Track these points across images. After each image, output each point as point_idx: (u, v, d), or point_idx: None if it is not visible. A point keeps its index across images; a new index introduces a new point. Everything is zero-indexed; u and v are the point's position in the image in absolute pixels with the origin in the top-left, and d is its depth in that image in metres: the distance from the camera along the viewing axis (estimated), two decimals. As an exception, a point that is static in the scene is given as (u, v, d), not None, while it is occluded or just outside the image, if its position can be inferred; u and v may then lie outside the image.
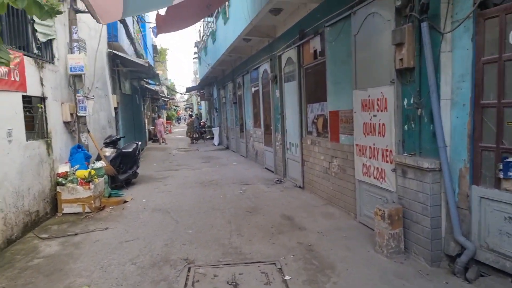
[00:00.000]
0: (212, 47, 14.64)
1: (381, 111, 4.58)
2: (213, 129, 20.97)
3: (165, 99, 29.60)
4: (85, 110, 6.93)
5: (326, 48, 6.21)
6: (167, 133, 33.94)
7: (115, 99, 10.10)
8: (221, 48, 12.23)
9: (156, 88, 24.07)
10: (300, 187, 7.80)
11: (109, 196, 7.16)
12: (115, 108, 10.40)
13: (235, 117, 15.14)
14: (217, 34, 13.35)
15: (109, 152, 7.63)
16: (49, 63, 6.39)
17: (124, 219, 5.86)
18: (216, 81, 20.00)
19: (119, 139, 8.00)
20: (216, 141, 19.85)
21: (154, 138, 23.25)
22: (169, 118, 42.23)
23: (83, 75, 6.94)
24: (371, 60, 4.80)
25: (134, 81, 15.35)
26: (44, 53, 6.28)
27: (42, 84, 5.94)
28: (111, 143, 7.76)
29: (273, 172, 9.84)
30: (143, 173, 10.46)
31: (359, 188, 5.32)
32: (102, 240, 4.91)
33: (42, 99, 6.02)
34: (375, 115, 4.73)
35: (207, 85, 23.16)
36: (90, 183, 6.07)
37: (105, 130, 9.34)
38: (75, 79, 6.89)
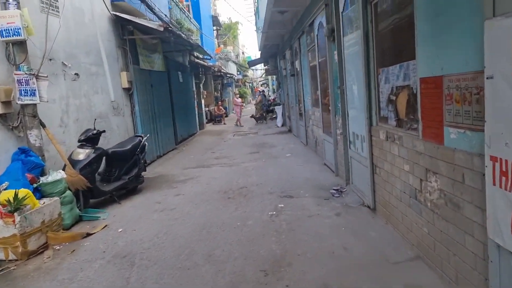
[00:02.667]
0: (260, 4, 11.70)
1: None
2: (276, 107, 18.16)
3: (229, 76, 27.44)
4: (34, 95, 4.72)
5: None
6: (234, 113, 32.16)
7: (126, 77, 7.93)
8: None
9: (217, 64, 21.95)
10: (369, 207, 4.72)
11: (75, 223, 5.03)
12: (128, 90, 8.26)
13: (294, 93, 12.15)
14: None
15: (83, 154, 5.43)
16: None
17: (51, 281, 3.56)
18: (278, 50, 17.01)
19: (99, 134, 5.75)
20: (279, 121, 17.07)
21: (216, 119, 21.36)
22: (241, 97, 40.32)
23: (25, 43, 4.71)
24: None
25: (177, 55, 13.19)
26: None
27: None
28: (87, 140, 5.54)
29: (333, 172, 6.80)
30: (165, 171, 8.26)
31: (499, 263, 2.18)
32: None
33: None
34: None
35: (271, 57, 20.23)
36: (16, 214, 3.87)
37: (106, 120, 7.24)
38: (14, 49, 4.68)
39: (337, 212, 4.75)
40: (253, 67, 36.50)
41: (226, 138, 14.39)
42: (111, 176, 6.05)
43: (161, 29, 7.68)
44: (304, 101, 10.12)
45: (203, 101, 18.54)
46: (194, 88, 16.34)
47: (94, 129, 5.72)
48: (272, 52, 18.52)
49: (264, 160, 8.79)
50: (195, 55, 16.07)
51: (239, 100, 20.84)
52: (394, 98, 3.76)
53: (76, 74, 6.39)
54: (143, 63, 9.12)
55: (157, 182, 7.35)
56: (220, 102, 21.88)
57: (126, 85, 7.95)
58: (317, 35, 7.30)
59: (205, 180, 7.18)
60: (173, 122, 11.98)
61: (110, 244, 4.40)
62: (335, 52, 5.91)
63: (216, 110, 21.28)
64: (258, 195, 5.89)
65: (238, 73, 37.81)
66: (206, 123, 20.68)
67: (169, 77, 11.85)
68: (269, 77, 53.84)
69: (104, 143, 7.03)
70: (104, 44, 7.27)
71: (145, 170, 7.10)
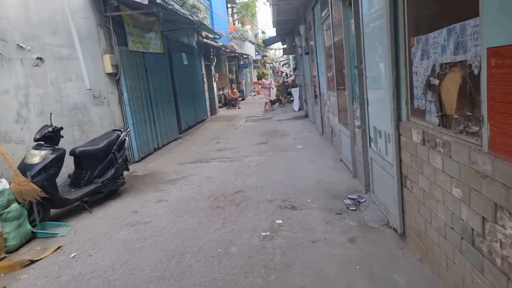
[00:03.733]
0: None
1: None
2: (293, 90, 16.74)
3: (245, 57, 25.96)
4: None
5: None
6: (254, 95, 30.79)
7: (110, 60, 6.83)
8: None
9: (231, 44, 20.58)
10: (395, 230, 3.47)
11: (26, 242, 4.05)
12: (114, 75, 7.17)
13: (310, 74, 10.76)
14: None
15: (38, 156, 4.40)
16: None
17: None
18: (294, 26, 15.47)
19: (58, 131, 4.71)
20: (296, 105, 15.70)
21: (231, 103, 20.17)
22: (259, 78, 38.80)
23: None
24: None
25: (180, 35, 11.99)
26: None
27: None
28: (45, 139, 4.51)
29: (350, 171, 5.54)
30: (158, 167, 7.22)
31: None
32: None
33: None
34: None
35: (287, 34, 18.66)
36: None
37: (84, 112, 6.20)
38: None
39: (352, 237, 3.53)
40: (271, 47, 34.80)
41: (237, 124, 13.22)
42: (81, 179, 5.04)
43: (145, 2, 6.47)
44: (319, 83, 8.76)
45: (215, 85, 17.35)
46: (204, 71, 15.14)
47: (51, 125, 4.68)
48: (288, 29, 16.95)
49: (271, 154, 7.58)
50: (204, 34, 14.80)
51: (268, 82, 19.21)
52: (436, 82, 2.45)
53: (39, 58, 5.34)
54: (133, 44, 7.99)
55: (144, 182, 6.32)
56: (234, 85, 20.61)
57: (110, 69, 6.85)
58: (331, 1, 5.90)
59: (197, 181, 6.08)
60: (176, 109, 10.89)
61: (52, 278, 3.39)
62: (352, 21, 4.55)
63: (230, 93, 20.07)
64: (254, 204, 4.73)
65: (257, 53, 36.23)
66: (220, 107, 19.56)
67: (170, 60, 10.69)
68: (290, 57, 51.70)
69: (83, 138, 6.03)
70: (77, 23, 6.15)
71: (128, 169, 6.06)
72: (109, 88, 7.01)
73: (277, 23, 15.44)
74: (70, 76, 5.88)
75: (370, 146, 4.22)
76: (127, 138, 5.73)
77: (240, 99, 23.40)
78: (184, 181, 6.16)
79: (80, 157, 4.99)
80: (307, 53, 10.04)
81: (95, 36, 6.68)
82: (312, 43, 9.43)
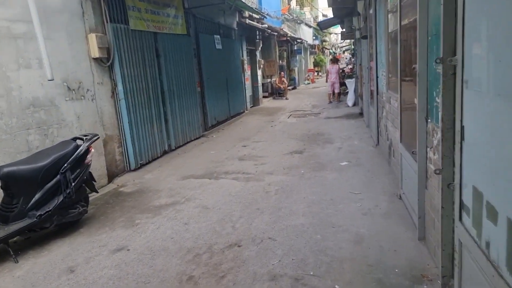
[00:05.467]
0: None
1: None
2: (347, 81, 14.30)
3: (299, 41, 23.50)
4: None
5: None
6: (308, 83, 28.31)
7: (96, 41, 5.27)
8: None
9: (281, 27, 18.45)
10: None
11: None
12: (105, 60, 5.63)
13: (367, 64, 8.47)
14: None
15: None
16: None
17: None
18: (354, 6, 12.98)
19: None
20: (350, 100, 13.33)
21: (278, 93, 18.18)
22: (316, 65, 36.07)
23: None
24: None
25: (214, 14, 10.25)
26: None
27: None
28: None
29: (414, 225, 3.45)
30: (153, 182, 5.62)
31: None
32: None
33: None
34: None
35: (347, 16, 16.08)
36: None
37: (50, 109, 4.72)
38: None
39: None
40: (330, 31, 31.91)
41: (277, 120, 11.31)
42: (9, 212, 3.56)
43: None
44: (376, 77, 6.53)
45: (259, 72, 15.47)
46: (245, 57, 13.32)
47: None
48: (348, 9, 14.43)
49: (302, 172, 5.63)
50: (247, 14, 12.92)
51: (336, 67, 15.19)
52: None
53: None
54: (138, 22, 6.39)
55: (123, 206, 4.75)
56: (282, 73, 18.52)
57: (96, 53, 5.31)
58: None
59: (189, 213, 4.36)
60: (202, 102, 9.27)
61: None
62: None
63: (277, 82, 18.06)
64: (248, 278, 2.90)
65: (314, 38, 33.49)
66: (266, 97, 17.70)
67: (198, 43, 9.02)
68: (352, 42, 47.70)
69: (47, 145, 4.57)
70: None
71: (95, 191, 4.51)
72: (97, 77, 5.48)
73: (333, 1, 13.04)
74: (28, 62, 4.39)
75: (461, 220, 2.14)
76: (92, 150, 4.15)
77: (290, 88, 21.31)
78: (173, 211, 4.48)
79: (6, 180, 3.49)
80: (364, 37, 7.78)
81: (76, 8, 5.14)
82: (371, 24, 7.17)
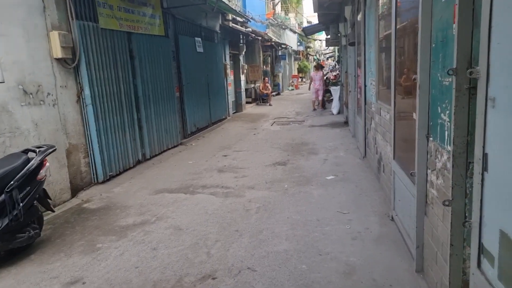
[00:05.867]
0: None
1: None
2: (332, 88, 14.05)
3: (284, 47, 23.21)
4: None
5: None
6: (292, 89, 28.05)
7: (59, 40, 4.73)
8: None
9: (264, 32, 18.13)
10: None
11: None
12: (70, 61, 5.09)
13: (354, 72, 8.17)
14: None
15: None
16: None
17: None
18: (339, 12, 12.76)
19: None
20: (334, 107, 13.05)
21: (262, 99, 17.80)
22: (300, 70, 35.95)
23: None
24: None
25: (196, 16, 9.81)
26: None
27: None
28: None
29: (410, 253, 3.07)
30: (122, 196, 5.10)
31: None
32: None
33: None
34: None
35: (332, 22, 15.89)
36: None
37: (4, 116, 4.16)
38: None
39: None
40: (315, 37, 31.85)
41: (260, 128, 10.90)
42: None
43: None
44: (365, 86, 6.21)
45: (243, 77, 15.06)
46: (228, 61, 12.89)
47: None
48: (333, 16, 14.24)
49: (286, 187, 5.22)
50: (231, 17, 12.51)
51: (318, 74, 14.68)
52: None
53: None
54: (108, 20, 5.88)
55: (84, 226, 4.22)
56: (266, 78, 18.18)
57: (59, 53, 4.77)
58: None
59: (158, 236, 3.87)
60: (181, 108, 8.78)
61: None
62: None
63: (261, 87, 17.69)
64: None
65: (299, 44, 33.37)
66: (250, 103, 17.30)
67: (177, 45, 8.54)
68: (337, 49, 47.80)
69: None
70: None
71: (53, 211, 3.98)
72: (60, 80, 4.94)
73: (319, 7, 12.78)
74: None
75: (479, 267, 1.75)
76: (47, 164, 3.62)
77: (274, 93, 20.98)
78: (141, 232, 3.98)
79: None
80: (351, 44, 7.47)
81: (35, 2, 4.60)
82: (359, 30, 6.87)
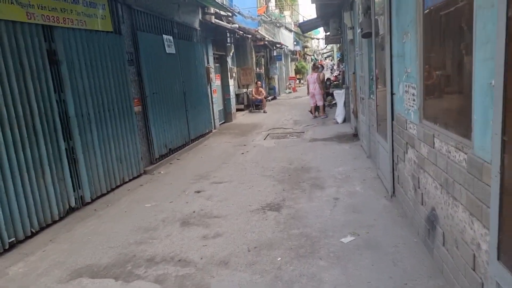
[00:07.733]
0: None
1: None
2: (335, 92, 12.03)
3: (279, 46, 21.12)
4: None
5: None
6: (290, 92, 26.08)
7: None
8: None
9: (255, 29, 16.17)
10: None
11: None
12: None
13: (368, 72, 6.19)
14: None
15: None
16: None
17: None
18: (342, 2, 10.78)
19: None
20: (339, 115, 11.05)
21: (255, 105, 15.81)
22: (298, 72, 33.95)
23: None
24: None
25: (166, 9, 7.85)
26: None
27: None
28: None
29: None
30: (32, 277, 3.10)
31: None
32: None
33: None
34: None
35: (332, 16, 13.92)
36: None
37: None
38: None
39: None
40: (313, 35, 29.89)
41: (251, 143, 8.93)
42: None
43: None
44: (391, 94, 4.22)
45: (231, 82, 13.07)
46: (212, 63, 10.91)
47: None
48: (334, 8, 12.29)
49: (279, 264, 3.22)
50: (213, 11, 10.55)
51: (313, 76, 12.79)
52: None
53: None
54: (6, 7, 3.91)
55: None
56: (259, 82, 16.19)
57: None
58: None
59: None
60: (145, 126, 6.80)
61: None
62: None
63: (254, 92, 15.71)
64: None
65: (295, 43, 31.43)
66: (242, 110, 15.33)
67: (136, 44, 6.57)
68: (335, 48, 45.60)
69: None
70: None
71: None
72: None
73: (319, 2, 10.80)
74: None
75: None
76: None
77: (270, 98, 19.00)
78: None
79: None
80: (366, 35, 5.48)
81: None
82: (383, 11, 4.91)
